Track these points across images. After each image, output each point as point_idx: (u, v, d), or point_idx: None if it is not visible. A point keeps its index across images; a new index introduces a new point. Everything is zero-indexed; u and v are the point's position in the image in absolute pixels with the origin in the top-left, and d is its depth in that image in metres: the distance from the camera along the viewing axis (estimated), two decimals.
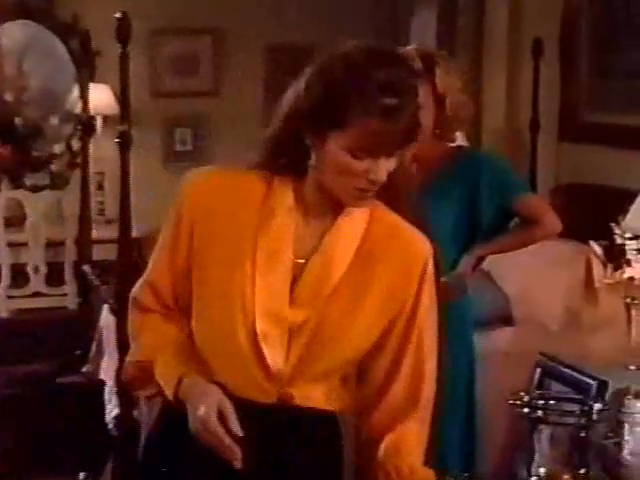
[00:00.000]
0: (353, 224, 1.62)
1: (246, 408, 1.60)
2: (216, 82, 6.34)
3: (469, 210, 2.72)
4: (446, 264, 2.70)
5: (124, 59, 3.44)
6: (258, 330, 1.58)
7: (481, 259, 2.86)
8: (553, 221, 2.79)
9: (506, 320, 3.95)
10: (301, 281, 1.60)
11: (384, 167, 1.54)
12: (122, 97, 3.53)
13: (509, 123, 5.15)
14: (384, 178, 1.55)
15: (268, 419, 1.62)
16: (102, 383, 3.82)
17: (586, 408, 1.95)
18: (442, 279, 2.66)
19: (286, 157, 1.60)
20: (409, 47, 2.72)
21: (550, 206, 2.90)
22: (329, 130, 1.52)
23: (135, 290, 1.74)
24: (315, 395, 1.64)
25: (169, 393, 1.62)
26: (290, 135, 1.57)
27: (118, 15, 3.42)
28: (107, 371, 3.82)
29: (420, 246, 1.67)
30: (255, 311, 1.58)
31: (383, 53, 1.54)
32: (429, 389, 1.67)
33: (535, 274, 3.98)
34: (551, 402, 1.95)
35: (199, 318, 1.65)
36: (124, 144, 3.51)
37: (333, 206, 1.60)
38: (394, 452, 1.63)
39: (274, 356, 1.59)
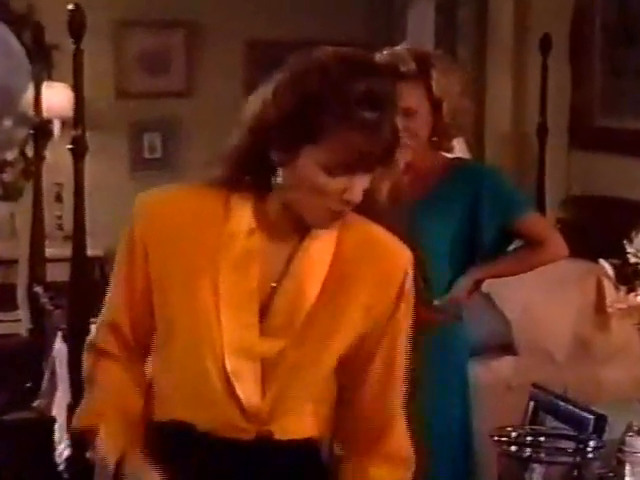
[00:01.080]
0: (323, 241, 1.64)
1: (220, 445, 1.63)
2: (189, 82, 6.36)
3: (468, 228, 2.74)
4: (441, 286, 2.75)
5: (78, 55, 3.45)
6: (228, 367, 1.60)
7: (479, 283, 2.88)
8: (558, 244, 2.82)
9: (507, 348, 3.97)
10: (272, 309, 1.62)
11: (360, 186, 1.57)
12: (76, 98, 3.55)
13: (515, 127, 5.18)
14: (359, 198, 1.58)
15: (246, 454, 1.65)
16: (54, 420, 3.83)
17: (581, 445, 1.98)
18: (435, 302, 2.74)
19: (249, 173, 1.61)
20: (400, 46, 2.74)
21: (555, 227, 2.94)
22: (302, 144, 1.54)
23: (93, 334, 1.76)
24: (295, 427, 1.67)
25: (110, 470, 1.66)
26: (255, 149, 1.58)
27: (71, 7, 3.45)
28: (59, 407, 3.83)
29: (398, 257, 1.69)
30: (224, 346, 1.60)
31: (362, 63, 1.57)
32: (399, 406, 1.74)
33: (540, 297, 4.00)
34: (541, 439, 1.99)
35: (163, 356, 1.67)
36: (78, 151, 3.52)
37: (299, 225, 1.62)
38: None
39: (248, 394, 1.62)
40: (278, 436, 1.65)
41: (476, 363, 3.46)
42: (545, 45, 4.75)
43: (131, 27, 6.18)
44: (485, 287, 3.88)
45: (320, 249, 1.64)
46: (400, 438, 1.72)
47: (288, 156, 1.56)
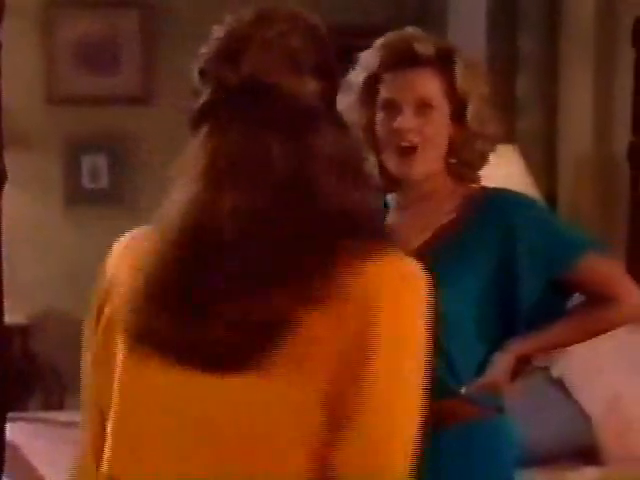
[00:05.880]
0: None
1: None
2: (146, 83, 6.41)
3: (503, 284, 2.72)
4: (470, 366, 2.71)
5: None
6: None
7: (524, 360, 2.80)
8: (634, 296, 2.77)
9: (588, 455, 3.96)
10: None
11: None
12: None
13: (598, 148, 5.23)
14: None
15: None
16: None
17: None
18: (462, 390, 2.71)
19: None
20: (404, 30, 2.77)
21: (627, 274, 2.86)
22: None
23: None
24: None
25: None
26: None
27: None
28: None
29: None
30: None
31: None
32: None
33: (634, 383, 4.01)
34: None
35: None
36: None
37: None
38: None
39: None
40: None
41: (543, 475, 3.46)
42: (639, 33, 4.81)
43: (66, 8, 6.23)
44: (554, 368, 3.87)
45: None
46: None
47: None
